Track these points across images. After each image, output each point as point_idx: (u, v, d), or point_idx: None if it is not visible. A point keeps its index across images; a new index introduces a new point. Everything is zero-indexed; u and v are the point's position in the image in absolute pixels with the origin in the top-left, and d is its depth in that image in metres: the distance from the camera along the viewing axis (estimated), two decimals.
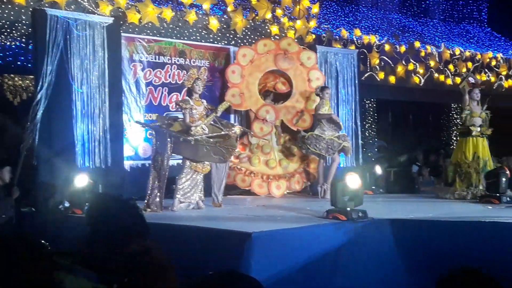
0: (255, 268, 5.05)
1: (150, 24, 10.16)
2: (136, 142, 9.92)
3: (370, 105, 15.70)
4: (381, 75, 14.26)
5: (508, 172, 8.56)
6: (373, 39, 14.30)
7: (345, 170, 9.02)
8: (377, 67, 14.20)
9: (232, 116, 10.71)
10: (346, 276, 5.77)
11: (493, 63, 16.49)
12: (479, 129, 9.44)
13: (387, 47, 14.44)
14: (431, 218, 6.72)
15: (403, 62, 14.70)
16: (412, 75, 14.91)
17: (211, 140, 7.97)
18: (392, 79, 14.52)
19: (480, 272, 2.00)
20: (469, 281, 1.92)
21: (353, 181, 6.46)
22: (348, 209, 6.31)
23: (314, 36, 12.45)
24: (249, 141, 10.48)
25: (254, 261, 5.15)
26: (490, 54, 16.61)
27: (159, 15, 10.26)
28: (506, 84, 16.55)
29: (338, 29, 13.94)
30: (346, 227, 6.15)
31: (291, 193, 10.47)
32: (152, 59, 10.13)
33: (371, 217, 6.36)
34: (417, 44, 15.26)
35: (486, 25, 19.14)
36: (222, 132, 8.19)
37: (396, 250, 6.12)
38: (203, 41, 10.82)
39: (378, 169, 11.54)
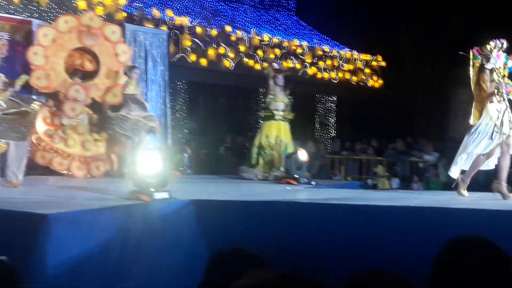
0: (52, 252, 4.84)
1: None
2: None
3: (181, 87, 15.76)
4: (193, 57, 14.37)
5: (303, 155, 9.05)
6: (185, 21, 14.34)
7: (152, 151, 8.95)
8: (189, 49, 14.28)
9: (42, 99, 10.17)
10: (149, 257, 5.74)
11: (299, 50, 17.30)
12: (282, 113, 9.86)
13: (199, 30, 14.56)
14: (232, 199, 6.92)
15: (215, 46, 14.92)
16: (223, 58, 15.20)
17: (9, 116, 7.50)
18: (203, 61, 14.69)
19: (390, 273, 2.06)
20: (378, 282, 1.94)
21: (157, 161, 6.41)
22: (152, 189, 6.26)
23: (125, 14, 12.21)
24: (61, 122, 10.02)
25: (51, 244, 4.93)
26: (296, 42, 17.40)
27: None
28: (310, 71, 17.46)
29: (150, 9, 13.79)
30: (149, 207, 6.10)
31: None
32: None
33: (174, 197, 6.37)
34: (228, 28, 15.57)
35: (294, 14, 20.01)
36: (22, 109, 7.74)
37: (197, 231, 6.20)
38: (2, 12, 10.13)
39: (187, 151, 11.63)
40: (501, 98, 6.78)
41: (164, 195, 6.32)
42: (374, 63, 19.40)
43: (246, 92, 18.23)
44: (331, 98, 20.03)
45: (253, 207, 6.31)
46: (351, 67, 18.74)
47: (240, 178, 9.90)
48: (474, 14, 17.83)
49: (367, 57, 19.22)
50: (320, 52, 17.89)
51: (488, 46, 6.84)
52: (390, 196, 7.88)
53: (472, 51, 6.94)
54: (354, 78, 18.84)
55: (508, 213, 5.68)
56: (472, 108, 6.96)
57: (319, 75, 17.76)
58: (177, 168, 10.43)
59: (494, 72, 6.84)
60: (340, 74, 18.39)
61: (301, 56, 17.30)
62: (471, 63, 6.96)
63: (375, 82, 19.43)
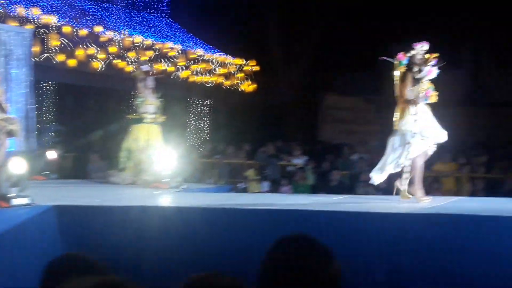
0: None
1: None
2: None
3: (48, 88, 15.18)
4: (61, 58, 13.88)
5: (172, 158, 8.98)
6: (52, 19, 13.83)
7: (13, 155, 8.55)
8: (57, 49, 13.78)
9: None
10: (7, 264, 5.48)
11: (172, 53, 17.19)
12: (152, 116, 9.74)
13: (67, 29, 14.09)
14: (98, 204, 6.75)
15: (84, 46, 14.50)
16: (93, 59, 14.81)
17: None
18: (72, 62, 14.23)
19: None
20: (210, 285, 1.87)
21: (16, 165, 6.14)
22: (11, 195, 5.98)
23: None
24: None
25: None
26: (169, 44, 17.28)
27: None
28: (182, 74, 17.40)
29: (14, 6, 13.17)
30: (6, 214, 5.83)
31: None
32: None
33: (34, 203, 6.12)
34: (98, 28, 15.19)
35: (167, 16, 19.87)
36: None
37: (57, 237, 5.99)
38: None
39: (52, 154, 11.20)
40: (423, 102, 6.91)
41: (24, 200, 6.06)
42: (247, 67, 19.66)
43: (117, 94, 17.85)
44: (205, 101, 20.08)
45: (113, 212, 6.18)
46: (224, 71, 18.87)
47: (108, 183, 9.67)
48: (339, 19, 18.54)
49: (240, 61, 19.44)
50: (194, 56, 17.87)
51: (412, 51, 6.97)
52: (255, 199, 8.02)
53: (397, 56, 7.03)
54: (227, 82, 18.99)
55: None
56: (396, 113, 7.04)
57: (192, 79, 17.74)
58: (41, 173, 10.02)
59: (418, 76, 6.94)
60: (214, 78, 18.47)
61: (174, 59, 17.20)
62: (396, 67, 7.02)
63: (248, 87, 19.69)
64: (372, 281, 5.30)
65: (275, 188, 13.11)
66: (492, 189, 12.10)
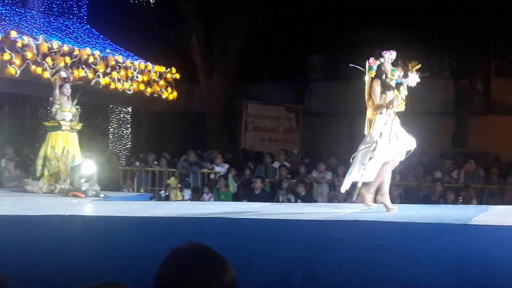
0: None
1: None
2: None
3: None
4: None
5: (90, 167, 8.82)
6: None
7: None
8: None
9: None
10: None
11: (91, 59, 16.88)
12: (69, 123, 9.54)
13: None
14: (13, 213, 6.56)
15: None
16: (8, 65, 14.36)
17: None
18: None
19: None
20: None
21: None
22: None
23: None
24: None
25: None
26: (88, 50, 16.95)
27: None
28: (103, 81, 17.10)
29: None
30: None
31: None
32: None
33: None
34: (14, 33, 14.75)
35: (86, 22, 19.50)
36: None
37: None
38: None
39: None
40: (392, 110, 6.86)
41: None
42: (168, 75, 19.54)
43: (34, 101, 17.35)
44: (125, 109, 19.81)
45: (30, 222, 6.01)
46: (145, 78, 18.68)
47: (25, 192, 9.40)
48: (260, 28, 18.70)
49: (161, 69, 19.30)
50: (113, 62, 17.60)
51: (381, 58, 6.93)
52: (175, 207, 7.98)
53: (368, 61, 6.97)
54: (149, 90, 18.80)
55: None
56: (366, 119, 7.01)
57: (112, 86, 17.46)
58: None
59: (388, 83, 6.93)
60: (134, 85, 18.25)
61: (93, 66, 16.89)
62: (366, 73, 6.97)
63: (170, 94, 19.56)
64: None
65: (197, 196, 13.07)
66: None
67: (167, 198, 13.28)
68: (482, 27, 17.87)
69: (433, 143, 15.86)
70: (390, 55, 7.01)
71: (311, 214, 6.76)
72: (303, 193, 12.45)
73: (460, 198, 11.57)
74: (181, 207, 8.36)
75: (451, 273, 5.28)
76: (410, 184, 13.22)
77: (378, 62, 6.99)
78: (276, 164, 14.72)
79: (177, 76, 19.75)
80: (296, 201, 11.89)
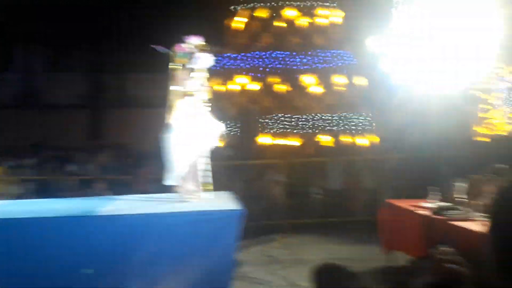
0: None
1: None
2: None
3: None
4: None
5: None
6: None
7: None
8: None
9: None
10: None
11: None
12: None
13: None
14: None
15: None
16: None
17: None
18: None
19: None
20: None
21: None
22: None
23: None
24: None
25: None
26: None
27: None
28: None
29: None
30: None
31: None
32: None
33: None
34: None
35: None
36: None
37: None
38: None
39: None
40: (193, 97, 6.52)
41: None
42: None
43: None
44: None
45: None
46: None
47: None
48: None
49: None
50: None
51: (188, 44, 6.50)
52: None
53: (175, 47, 6.49)
54: None
55: None
56: (168, 108, 6.49)
57: None
58: None
59: (195, 71, 6.54)
60: None
61: None
62: (171, 59, 6.49)
63: None
64: None
65: None
66: (44, 190, 12.27)
67: None
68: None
69: (68, 136, 15.96)
70: (196, 41, 6.67)
71: None
72: None
73: (95, 190, 11.81)
74: None
75: (84, 263, 5.45)
76: (45, 178, 12.99)
77: (186, 49, 6.63)
78: None
79: None
80: None
